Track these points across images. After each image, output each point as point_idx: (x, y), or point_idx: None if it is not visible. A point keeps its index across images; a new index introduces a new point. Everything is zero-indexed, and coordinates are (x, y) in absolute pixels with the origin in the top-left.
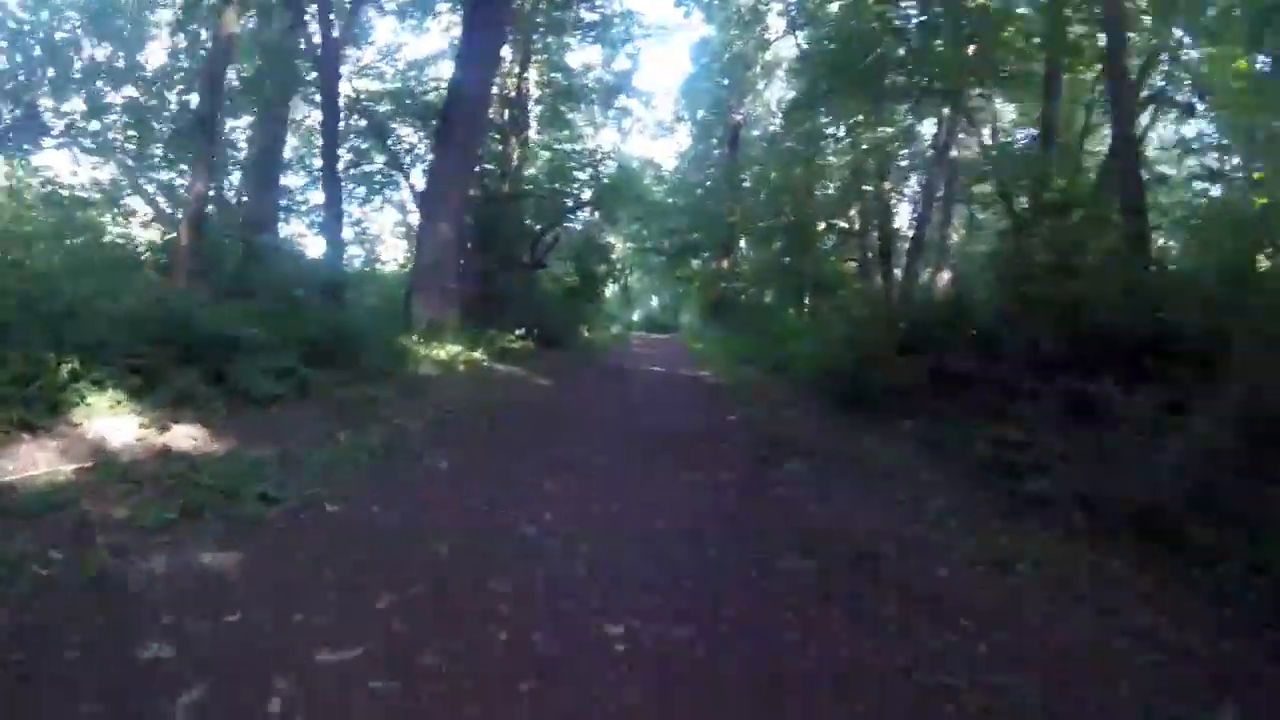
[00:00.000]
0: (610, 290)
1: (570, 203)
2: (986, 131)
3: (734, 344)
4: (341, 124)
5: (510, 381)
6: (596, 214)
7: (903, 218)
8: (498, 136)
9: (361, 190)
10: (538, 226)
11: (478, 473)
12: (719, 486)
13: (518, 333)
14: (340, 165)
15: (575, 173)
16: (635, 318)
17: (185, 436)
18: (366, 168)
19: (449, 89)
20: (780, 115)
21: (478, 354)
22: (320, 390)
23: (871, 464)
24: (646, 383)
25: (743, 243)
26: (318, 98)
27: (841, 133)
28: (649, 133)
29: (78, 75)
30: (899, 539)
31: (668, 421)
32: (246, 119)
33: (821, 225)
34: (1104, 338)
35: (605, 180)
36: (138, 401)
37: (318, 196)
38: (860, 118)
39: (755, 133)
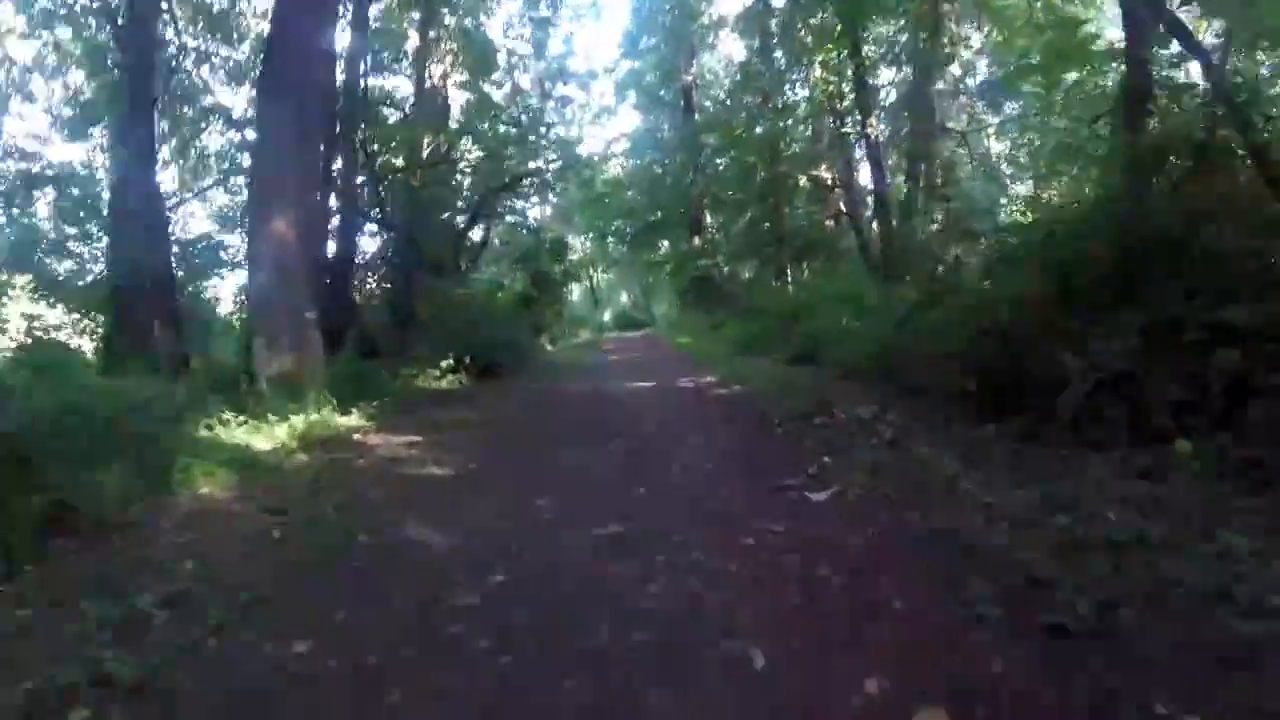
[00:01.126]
0: (575, 293)
1: (501, 183)
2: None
3: (728, 331)
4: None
5: (374, 484)
6: (540, 202)
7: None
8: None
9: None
10: (461, 222)
11: None
12: None
13: (444, 364)
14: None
15: (508, 148)
16: (606, 318)
17: None
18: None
19: (269, 35)
20: (735, 73)
21: (353, 417)
22: None
23: None
24: (632, 418)
25: (708, 217)
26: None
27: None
28: (590, 113)
29: None
30: None
31: (704, 559)
32: None
33: (803, 179)
34: None
35: (543, 148)
36: None
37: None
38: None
39: (706, 102)
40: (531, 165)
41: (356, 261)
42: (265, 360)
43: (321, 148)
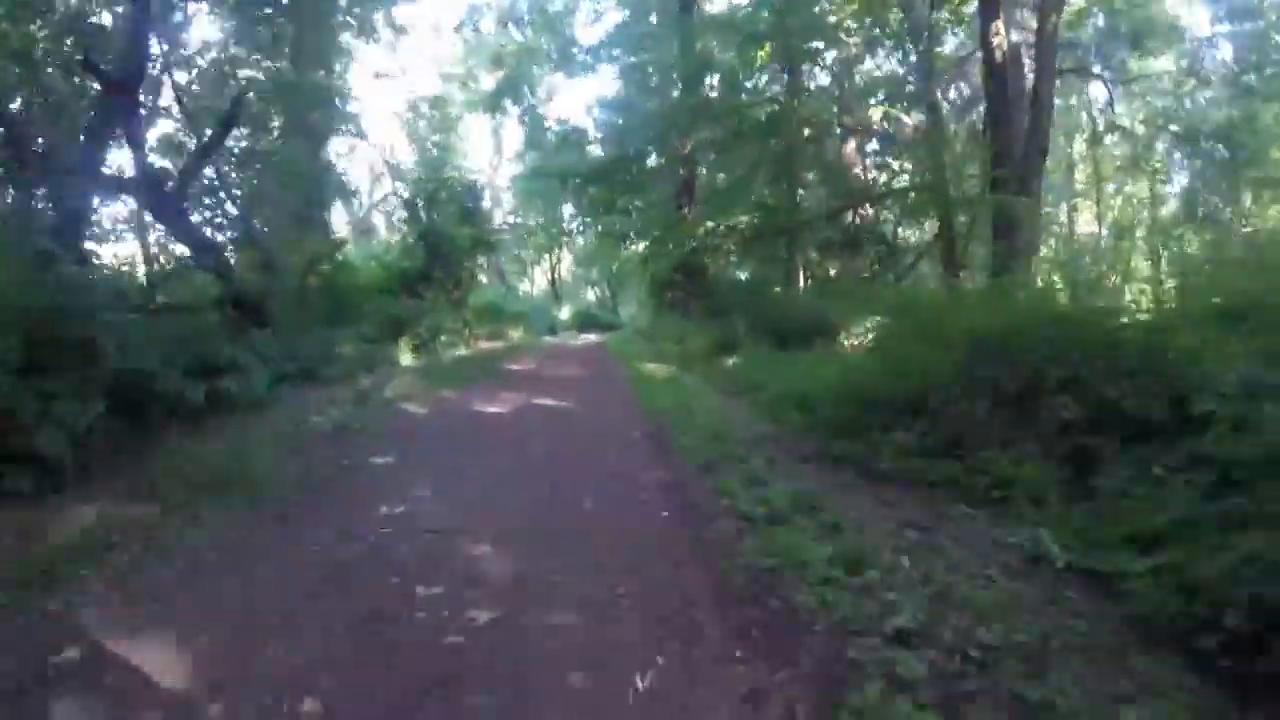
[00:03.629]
0: (538, 285)
1: None
2: None
3: (749, 369)
4: None
5: None
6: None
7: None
8: None
9: None
10: None
11: None
12: None
13: None
14: None
15: None
16: (564, 316)
17: None
18: None
19: None
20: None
21: None
22: None
23: None
24: None
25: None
26: None
27: None
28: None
29: None
30: None
31: None
32: None
33: (877, 113)
34: None
35: None
36: None
37: None
38: None
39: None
40: None
41: None
42: None
43: None
